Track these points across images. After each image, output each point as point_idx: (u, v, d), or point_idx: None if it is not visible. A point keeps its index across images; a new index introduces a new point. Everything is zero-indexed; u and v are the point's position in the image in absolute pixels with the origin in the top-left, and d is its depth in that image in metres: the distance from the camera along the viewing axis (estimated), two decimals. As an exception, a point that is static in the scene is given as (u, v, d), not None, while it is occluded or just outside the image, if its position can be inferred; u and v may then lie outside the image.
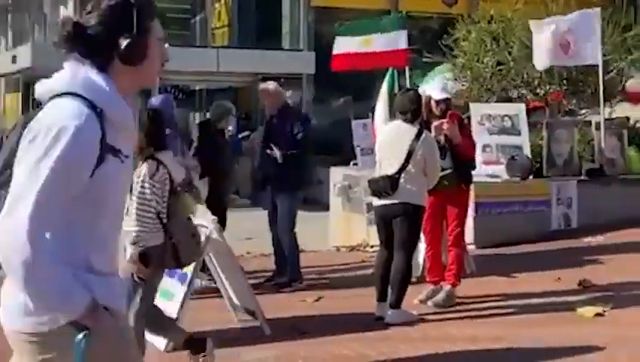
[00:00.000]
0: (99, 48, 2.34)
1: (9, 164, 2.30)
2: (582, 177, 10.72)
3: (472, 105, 10.89)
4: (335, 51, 11.00)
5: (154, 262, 4.86)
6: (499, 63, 12.54)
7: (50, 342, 2.29)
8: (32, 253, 2.14)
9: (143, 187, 4.84)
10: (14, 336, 2.35)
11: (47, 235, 2.19)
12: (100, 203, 2.32)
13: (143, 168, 4.88)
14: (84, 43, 2.34)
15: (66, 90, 2.30)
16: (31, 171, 2.19)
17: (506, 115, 10.52)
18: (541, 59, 10.96)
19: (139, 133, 4.83)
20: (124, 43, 2.32)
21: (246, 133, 10.79)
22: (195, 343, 5.15)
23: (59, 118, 2.23)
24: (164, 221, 4.87)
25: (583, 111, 13.00)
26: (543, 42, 10.77)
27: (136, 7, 2.34)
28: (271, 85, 8.22)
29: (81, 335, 2.23)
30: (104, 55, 2.34)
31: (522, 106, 10.90)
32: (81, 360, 2.23)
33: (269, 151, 7.86)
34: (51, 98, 2.32)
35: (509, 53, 12.50)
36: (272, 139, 7.92)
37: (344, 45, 10.94)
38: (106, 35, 2.33)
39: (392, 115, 8.54)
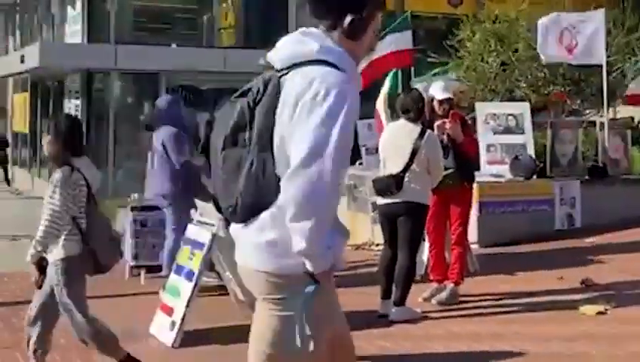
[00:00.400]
0: (336, 12, 2.57)
1: (240, 128, 2.61)
2: (585, 177, 10.77)
3: (477, 105, 10.94)
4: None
5: (75, 272, 4.80)
6: (503, 64, 12.57)
7: (284, 285, 2.51)
8: (327, 203, 2.40)
9: (54, 192, 4.73)
10: (253, 275, 2.57)
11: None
12: (347, 159, 2.53)
13: (57, 173, 4.80)
14: (330, 6, 2.59)
15: (317, 57, 2.50)
16: (317, 131, 2.38)
17: (511, 114, 10.57)
18: (546, 53, 11.02)
19: (56, 139, 4.87)
20: (349, 19, 2.56)
21: None
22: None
23: (332, 82, 2.43)
24: (83, 226, 4.80)
25: (587, 111, 13.02)
26: (548, 36, 10.84)
27: None
28: None
29: (313, 287, 2.46)
30: (333, 21, 2.58)
31: (527, 105, 10.94)
32: (306, 307, 2.46)
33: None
34: (296, 65, 2.53)
35: (516, 51, 12.51)
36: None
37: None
38: (347, 4, 2.57)
39: (393, 115, 8.58)
